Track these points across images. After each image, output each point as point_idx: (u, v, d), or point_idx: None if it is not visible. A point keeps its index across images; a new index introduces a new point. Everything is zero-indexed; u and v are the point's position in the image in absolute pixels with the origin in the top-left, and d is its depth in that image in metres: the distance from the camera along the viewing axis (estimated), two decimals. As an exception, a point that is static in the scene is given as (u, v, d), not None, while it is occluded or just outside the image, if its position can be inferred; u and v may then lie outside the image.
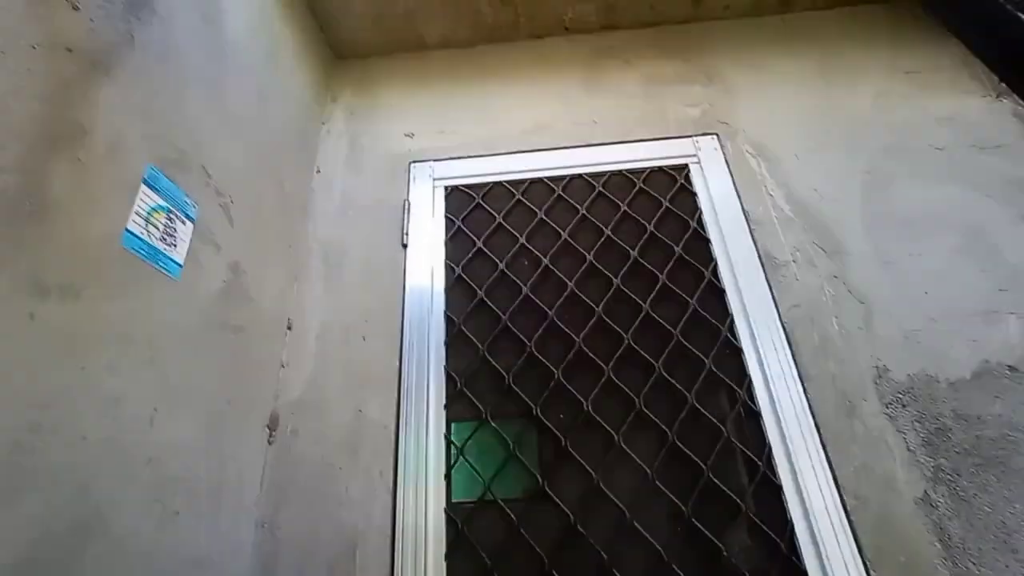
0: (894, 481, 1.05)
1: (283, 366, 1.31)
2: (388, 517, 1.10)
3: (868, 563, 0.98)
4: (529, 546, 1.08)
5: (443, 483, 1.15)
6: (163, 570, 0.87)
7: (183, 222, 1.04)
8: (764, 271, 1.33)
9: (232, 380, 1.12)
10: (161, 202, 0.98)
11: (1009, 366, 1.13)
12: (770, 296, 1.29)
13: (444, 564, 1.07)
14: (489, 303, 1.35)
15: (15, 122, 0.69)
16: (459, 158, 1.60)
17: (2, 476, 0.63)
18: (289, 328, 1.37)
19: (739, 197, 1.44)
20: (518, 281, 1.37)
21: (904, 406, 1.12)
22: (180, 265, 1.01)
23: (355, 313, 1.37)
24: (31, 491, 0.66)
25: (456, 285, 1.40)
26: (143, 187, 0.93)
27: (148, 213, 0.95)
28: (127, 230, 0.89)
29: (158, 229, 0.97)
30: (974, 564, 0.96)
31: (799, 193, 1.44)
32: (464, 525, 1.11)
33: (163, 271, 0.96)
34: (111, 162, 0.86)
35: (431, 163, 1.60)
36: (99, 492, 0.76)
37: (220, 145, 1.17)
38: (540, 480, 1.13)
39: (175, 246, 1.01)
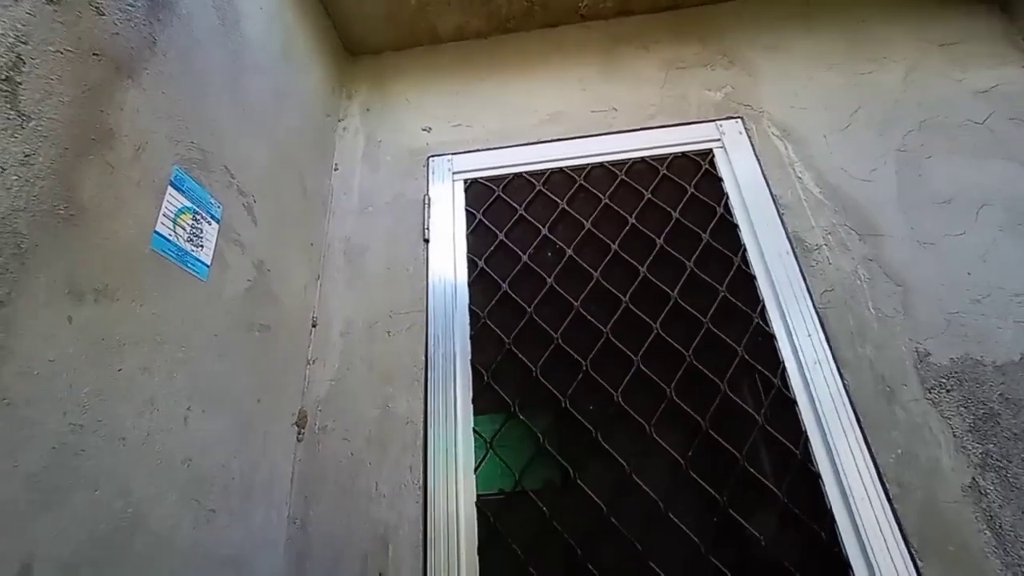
0: (939, 468, 1.02)
1: (309, 363, 1.32)
2: (419, 512, 1.10)
3: (914, 553, 0.95)
4: (562, 538, 1.07)
5: (473, 477, 1.14)
6: (201, 567, 0.88)
7: (209, 223, 1.04)
8: (795, 256, 1.29)
9: (261, 378, 1.13)
10: (187, 203, 0.98)
11: (1059, 347, 1.08)
12: (802, 281, 1.26)
13: (477, 558, 1.07)
14: (513, 295, 1.34)
15: (47, 127, 0.70)
16: (477, 151, 1.59)
17: (50, 476, 0.64)
18: (314, 325, 1.37)
19: (766, 181, 1.40)
20: (542, 273, 1.36)
21: (948, 391, 1.08)
22: (207, 266, 1.02)
23: (379, 309, 1.37)
24: (77, 491, 0.67)
25: (479, 278, 1.38)
26: (170, 188, 0.94)
27: (175, 215, 0.95)
28: (156, 232, 0.89)
29: (185, 230, 0.97)
30: (1026, 552, 0.92)
31: (829, 175, 1.39)
32: (495, 519, 1.10)
33: (191, 272, 0.97)
34: (138, 164, 0.86)
35: (449, 157, 1.59)
36: (139, 491, 0.77)
37: (241, 144, 1.17)
38: (571, 472, 1.12)
39: (202, 247, 1.01)
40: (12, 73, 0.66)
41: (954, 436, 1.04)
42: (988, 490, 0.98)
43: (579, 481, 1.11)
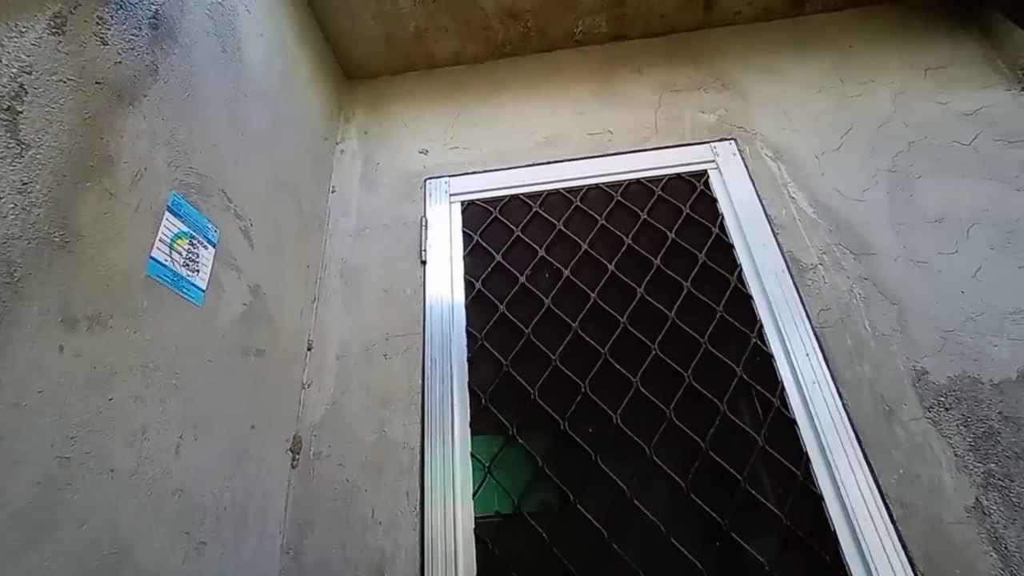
0: (941, 488, 1.01)
1: (304, 387, 1.30)
2: (417, 539, 1.08)
3: (920, 575, 0.94)
4: (562, 564, 1.05)
5: (471, 502, 1.12)
6: (192, 602, 0.85)
7: (205, 247, 1.04)
8: (791, 275, 1.30)
9: (255, 404, 1.11)
10: (184, 228, 0.98)
11: (1056, 365, 1.09)
12: (798, 300, 1.26)
13: (476, 587, 1.04)
14: (511, 317, 1.34)
15: (46, 155, 0.70)
16: (474, 172, 1.60)
17: (35, 512, 0.62)
18: (309, 349, 1.36)
19: (761, 201, 1.42)
20: (539, 294, 1.36)
21: (947, 409, 1.08)
22: (203, 291, 1.01)
23: (375, 331, 1.36)
24: (62, 527, 0.65)
25: (476, 300, 1.38)
26: (167, 214, 0.94)
27: (172, 240, 0.95)
28: (152, 258, 0.89)
29: (181, 255, 0.97)
30: (1035, 576, 0.91)
31: (822, 195, 1.41)
32: (494, 544, 1.08)
33: (186, 297, 0.96)
34: (136, 190, 0.86)
35: (446, 179, 1.60)
36: (127, 525, 0.75)
37: (239, 169, 1.17)
38: (571, 496, 1.10)
39: (198, 271, 1.01)
40: (14, 103, 0.66)
41: (955, 455, 1.03)
42: (992, 510, 0.97)
43: (579, 505, 1.09)
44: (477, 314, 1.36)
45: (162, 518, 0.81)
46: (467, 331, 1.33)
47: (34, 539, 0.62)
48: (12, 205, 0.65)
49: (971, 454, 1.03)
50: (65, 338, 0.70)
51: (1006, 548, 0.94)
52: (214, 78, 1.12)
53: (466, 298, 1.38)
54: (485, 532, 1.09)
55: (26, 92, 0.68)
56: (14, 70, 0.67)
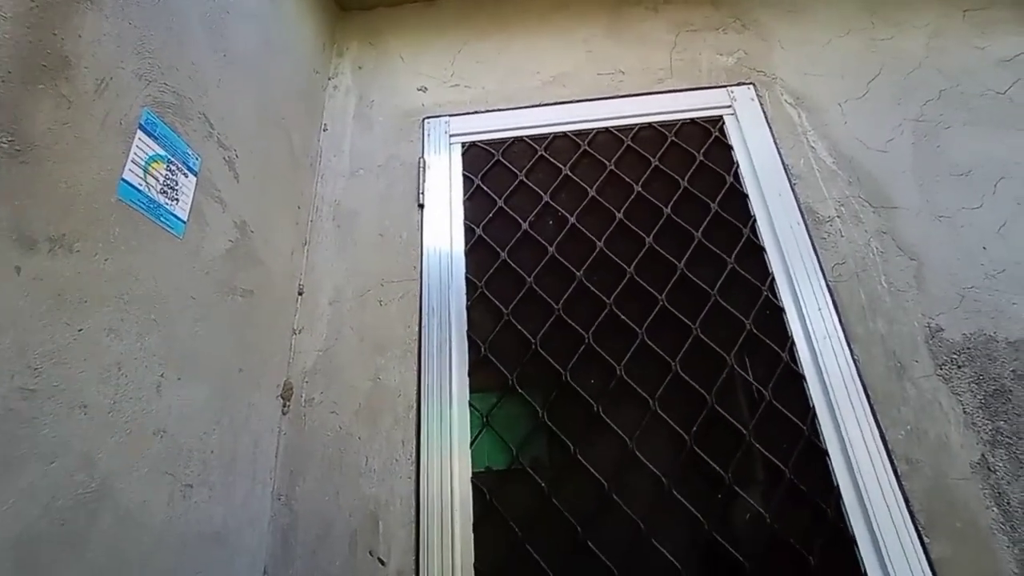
0: (948, 445, 0.99)
1: (295, 333, 1.24)
2: (412, 488, 1.05)
3: (921, 529, 0.93)
4: (561, 515, 1.03)
5: (468, 452, 1.09)
6: (176, 545, 0.82)
7: (185, 175, 0.95)
8: (807, 227, 1.24)
9: (243, 347, 1.05)
10: (160, 151, 0.89)
11: (1074, 324, 1.06)
12: (813, 253, 1.21)
13: (472, 535, 1.02)
14: (513, 264, 1.27)
15: (-15, 45, 0.60)
16: (476, 112, 1.50)
17: (-4, 445, 0.56)
18: (300, 293, 1.29)
19: (778, 150, 1.34)
20: (543, 241, 1.29)
21: (959, 367, 1.05)
22: (183, 221, 0.93)
23: (370, 277, 1.29)
24: (29, 462, 0.60)
25: (477, 247, 1.31)
26: (139, 133, 0.84)
27: (146, 162, 0.86)
28: (123, 180, 0.80)
29: (158, 181, 0.88)
30: (1036, 530, 0.90)
31: (843, 145, 1.33)
32: (492, 495, 1.06)
33: (165, 227, 0.88)
34: (101, 102, 0.77)
35: (446, 118, 1.49)
36: (104, 464, 0.70)
37: (223, 93, 1.07)
38: (572, 447, 1.07)
39: (177, 200, 0.92)
40: (-61, -25, 0.56)
41: (964, 413, 1.01)
42: (997, 467, 0.96)
43: (580, 457, 1.06)
44: (477, 261, 1.29)
45: (143, 458, 0.77)
46: (466, 278, 1.27)
47: (-3, 473, 0.56)
48: (-52, 100, 0.56)
49: (980, 411, 1.01)
50: (22, 259, 0.62)
51: (1008, 503, 0.93)
52: (189, -16, 1.00)
53: (466, 244, 1.31)
54: (483, 482, 1.07)
55: (-43, -34, 0.58)
56: (-59, -64, 0.56)
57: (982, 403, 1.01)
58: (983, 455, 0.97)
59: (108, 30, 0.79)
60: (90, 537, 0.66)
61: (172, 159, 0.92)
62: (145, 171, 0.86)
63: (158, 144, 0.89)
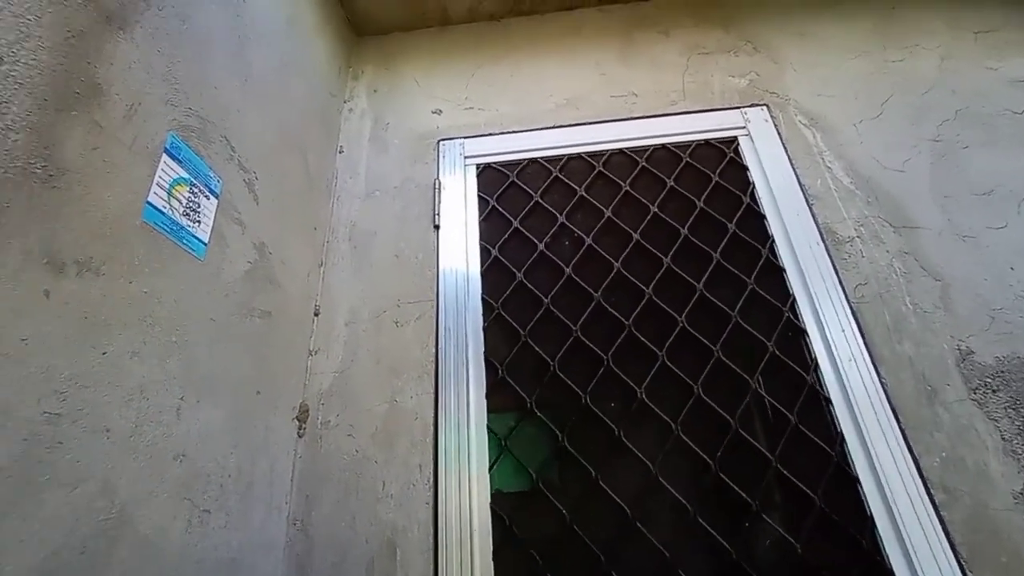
0: (987, 473, 0.95)
1: (311, 354, 1.23)
2: (430, 513, 1.03)
3: (964, 563, 0.89)
4: (583, 543, 1.00)
5: (487, 476, 1.07)
6: (193, 572, 0.80)
7: (207, 197, 0.96)
8: (826, 247, 1.23)
9: (260, 369, 1.04)
10: (184, 174, 0.90)
11: (1109, 346, 1.03)
12: (834, 274, 1.19)
13: (492, 563, 0.99)
14: (529, 285, 1.27)
15: (22, 74, 0.61)
16: (490, 135, 1.51)
17: (21, 469, 0.55)
18: (316, 314, 1.29)
19: (794, 170, 1.34)
20: (559, 262, 1.28)
21: (994, 391, 1.02)
22: (204, 243, 0.94)
23: (386, 298, 1.29)
24: (53, 487, 0.59)
25: (493, 267, 1.31)
26: (165, 156, 0.86)
27: (170, 186, 0.87)
28: (148, 203, 0.81)
29: (181, 203, 0.89)
30: (1087, 565, 0.86)
31: (860, 164, 1.33)
32: (511, 521, 1.03)
33: (187, 249, 0.89)
34: (130, 127, 0.78)
35: (461, 140, 1.51)
36: (126, 490, 0.69)
37: (243, 117, 1.09)
38: (593, 472, 1.05)
39: (199, 223, 0.93)
40: (-16, 8, 0.57)
41: (1003, 439, 0.98)
42: (1040, 497, 0.92)
43: (601, 482, 1.04)
44: (493, 282, 1.29)
45: (163, 483, 0.75)
46: (483, 299, 1.26)
47: (21, 499, 0.55)
48: (-14, 127, 0.57)
49: (1020, 438, 0.97)
50: (51, 283, 0.62)
51: (1055, 535, 0.89)
52: (215, 13, 1.02)
53: (482, 265, 1.31)
54: (502, 508, 1.04)
55: (-1, -2, 0.59)
56: (-15, -29, 0.58)
57: (1021, 429, 0.98)
58: None
59: (138, 58, 0.81)
60: (110, 565, 0.64)
61: (195, 182, 0.93)
62: (169, 194, 0.87)
63: (182, 167, 0.90)
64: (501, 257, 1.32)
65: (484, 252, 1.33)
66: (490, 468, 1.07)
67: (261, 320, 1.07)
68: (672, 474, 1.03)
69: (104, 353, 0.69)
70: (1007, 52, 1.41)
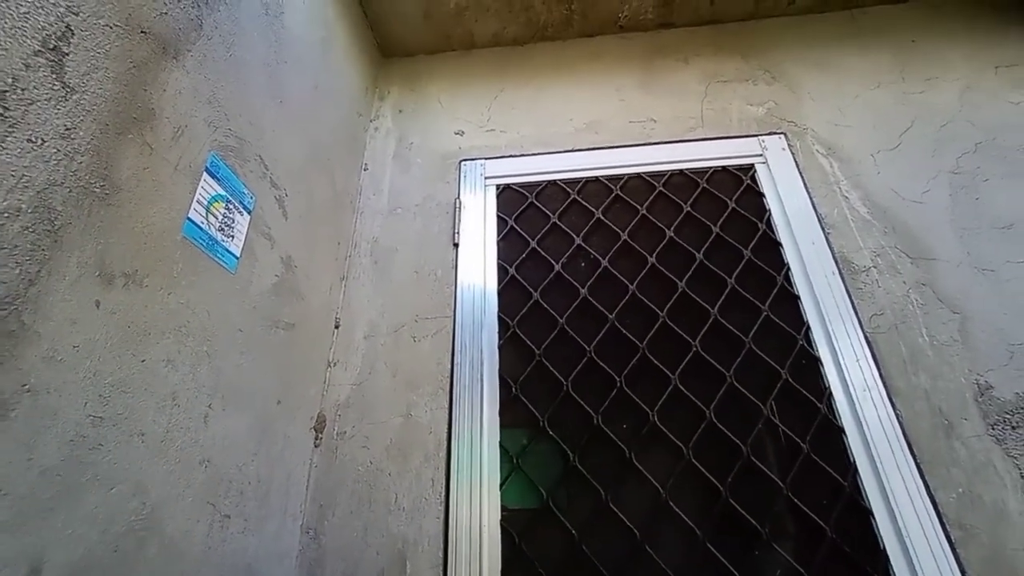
0: (1006, 511, 0.94)
1: (330, 366, 1.27)
2: (440, 528, 1.04)
3: (981, 605, 0.88)
4: (591, 564, 1.00)
5: (498, 493, 1.08)
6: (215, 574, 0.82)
7: (241, 213, 1.01)
8: (842, 277, 1.23)
9: (282, 379, 1.08)
10: (221, 191, 0.95)
11: None
12: (849, 304, 1.20)
13: (500, 580, 1.00)
14: (545, 305, 1.29)
15: (90, 102, 0.67)
16: (511, 156, 1.56)
17: (66, 471, 0.59)
18: (337, 327, 1.33)
19: (811, 199, 1.35)
20: (575, 283, 1.31)
21: (1014, 428, 1.01)
22: (237, 257, 0.98)
23: (404, 313, 1.32)
24: (92, 489, 0.62)
25: (509, 286, 1.34)
26: (205, 175, 0.91)
27: (209, 202, 0.92)
28: (188, 219, 0.86)
29: (217, 219, 0.94)
30: (1109, 611, 0.84)
31: (877, 195, 1.34)
32: (521, 539, 1.04)
33: (220, 263, 0.93)
34: (176, 148, 0.83)
35: (482, 161, 1.55)
36: (156, 492, 0.72)
37: (277, 136, 1.14)
38: (603, 493, 1.05)
39: (232, 237, 0.98)
40: (60, 43, 0.63)
41: (1022, 477, 0.96)
42: (1061, 539, 0.91)
43: (611, 503, 1.04)
44: (510, 301, 1.32)
45: (189, 487, 0.79)
46: (499, 317, 1.29)
47: (64, 499, 0.59)
48: (55, 150, 0.62)
49: (1038, 476, 0.96)
50: (102, 293, 0.67)
51: (1076, 579, 0.87)
52: (256, 40, 1.09)
53: (499, 284, 1.34)
54: (512, 525, 1.05)
55: (72, 33, 0.65)
56: (61, 9, 0.64)
57: (1038, 467, 0.97)
58: (1043, 524, 0.92)
59: (187, 84, 0.86)
60: (138, 565, 0.68)
61: (231, 199, 0.98)
62: (207, 210, 0.92)
63: (220, 185, 0.95)
64: (518, 276, 1.35)
65: (501, 271, 1.36)
66: (501, 485, 1.09)
67: (285, 332, 1.11)
68: (682, 498, 1.04)
69: (143, 360, 0.73)
70: (1028, 86, 1.41)
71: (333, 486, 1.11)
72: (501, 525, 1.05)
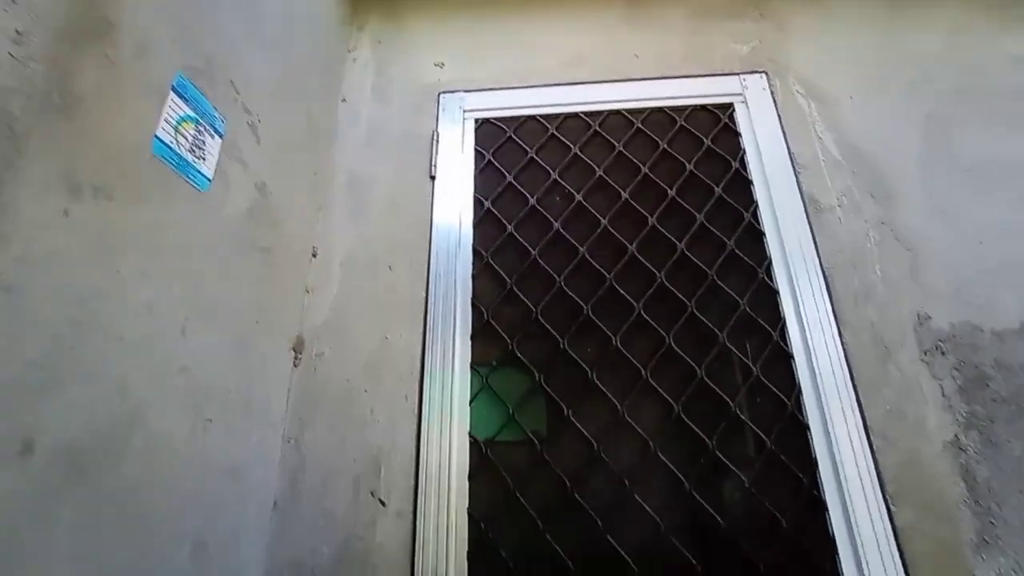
0: (924, 425, 1.04)
1: (308, 292, 1.31)
2: (413, 439, 1.13)
3: (889, 499, 0.99)
4: (552, 471, 1.09)
5: (467, 409, 1.16)
6: (197, 473, 0.90)
7: (212, 136, 1.01)
8: (807, 215, 1.27)
9: (259, 301, 1.12)
10: (190, 112, 0.95)
11: (1060, 319, 1.08)
12: (812, 240, 1.24)
13: (467, 484, 1.09)
14: (519, 238, 1.32)
15: (40, 6, 0.66)
16: (491, 90, 1.53)
17: (50, 363, 0.64)
18: (314, 255, 1.36)
19: (786, 139, 1.37)
20: (549, 217, 1.33)
21: (943, 354, 1.09)
22: (209, 179, 0.99)
23: (381, 243, 1.35)
24: (74, 382, 0.67)
25: (485, 219, 1.36)
26: (172, 95, 0.90)
27: (177, 122, 0.92)
28: (157, 137, 0.86)
29: (187, 140, 0.94)
30: (996, 505, 0.96)
31: (851, 136, 1.35)
32: (488, 448, 1.13)
33: (191, 183, 0.95)
34: (139, 64, 0.82)
35: (461, 94, 1.53)
36: (137, 392, 0.78)
37: (248, 60, 1.12)
38: (565, 409, 1.14)
39: (204, 159, 0.99)
40: (3, -62, 0.61)
41: (943, 396, 1.05)
42: (968, 447, 1.01)
43: (572, 418, 1.13)
44: (484, 233, 1.35)
45: (170, 391, 0.84)
46: (473, 249, 1.33)
47: (49, 389, 0.64)
48: (7, 53, 0.62)
49: (958, 396, 1.05)
50: (70, 203, 0.69)
51: (975, 479, 0.98)
52: (221, -48, 1.04)
53: (474, 217, 1.37)
54: (479, 435, 1.14)
55: (18, -71, 0.63)
56: (3, -99, 0.62)
57: (961, 388, 1.05)
58: (956, 435, 1.02)
59: (147, -4, 0.84)
60: (126, 453, 0.74)
61: (200, 121, 0.98)
62: (176, 130, 0.92)
63: (188, 106, 0.95)
64: (493, 210, 1.37)
65: (477, 204, 1.38)
66: (471, 401, 1.17)
67: (261, 256, 1.14)
68: (639, 414, 1.12)
69: (117, 271, 0.76)
70: (1019, 28, 1.40)
71: (312, 402, 1.18)
72: (469, 436, 1.13)
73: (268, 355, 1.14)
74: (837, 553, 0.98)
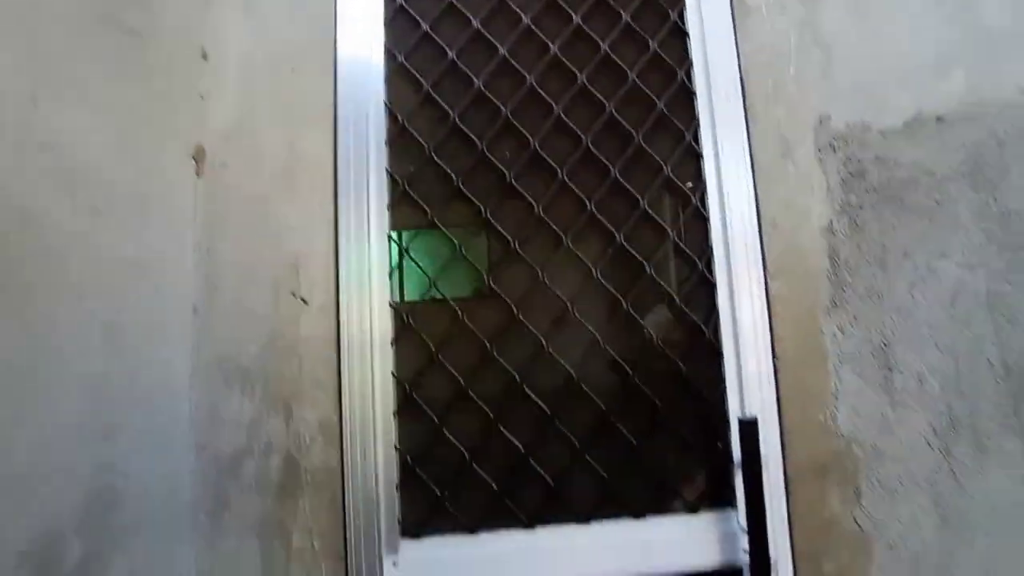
0: (809, 214, 1.15)
1: (202, 98, 1.17)
2: (331, 242, 1.12)
3: (767, 274, 1.13)
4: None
5: (386, 214, 1.15)
6: (92, 257, 0.86)
7: None
8: (732, 16, 1.23)
9: (135, 91, 0.99)
10: None
11: (938, 116, 1.17)
12: (733, 42, 1.22)
13: (387, 280, 1.13)
14: (436, 38, 1.22)
15: None
16: None
17: None
18: (204, 57, 1.19)
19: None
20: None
21: (835, 151, 1.16)
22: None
23: (282, 45, 1.20)
24: None
25: (398, 16, 1.23)
26: None
27: None
28: None
29: None
30: (848, 275, 1.12)
31: (782, -70, 1.26)
32: (408, 246, 1.16)
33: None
34: None
35: None
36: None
37: None
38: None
39: None
40: None
41: (828, 189, 1.15)
42: (838, 230, 1.14)
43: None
44: (397, 30, 1.22)
45: (33, 166, 0.77)
46: (385, 48, 1.21)
47: None
48: None
49: (840, 188, 1.15)
50: None
51: (838, 256, 1.13)
52: None
53: (385, 12, 1.22)
54: (403, 239, 1.16)
55: None
56: None
57: (843, 180, 1.15)
58: (830, 221, 1.14)
59: None
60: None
61: None
62: None
63: None
64: (407, 7, 1.23)
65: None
66: (389, 207, 1.16)
67: (129, 39, 0.99)
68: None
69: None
70: None
71: (221, 210, 1.12)
72: (388, 236, 1.14)
73: (164, 157, 1.05)
74: (719, 320, 1.13)
